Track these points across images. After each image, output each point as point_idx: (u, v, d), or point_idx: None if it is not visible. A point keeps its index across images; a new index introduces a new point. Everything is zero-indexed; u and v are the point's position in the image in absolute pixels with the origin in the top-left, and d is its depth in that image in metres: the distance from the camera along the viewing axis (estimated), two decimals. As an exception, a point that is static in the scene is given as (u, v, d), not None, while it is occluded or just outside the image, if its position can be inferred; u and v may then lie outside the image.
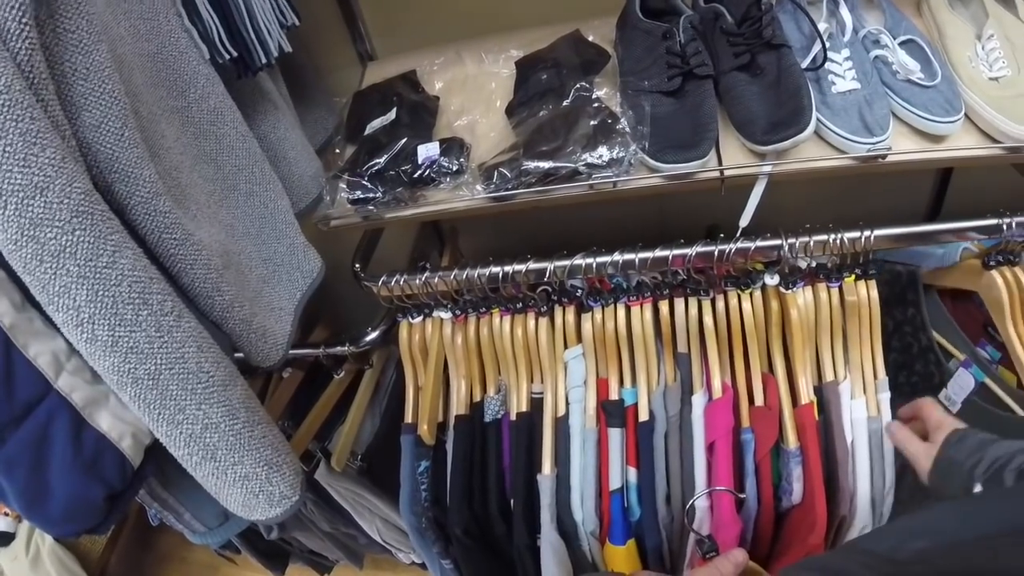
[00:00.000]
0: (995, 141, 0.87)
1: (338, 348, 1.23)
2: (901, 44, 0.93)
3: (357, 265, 1.08)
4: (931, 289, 1.05)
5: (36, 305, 0.62)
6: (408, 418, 1.11)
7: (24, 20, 0.53)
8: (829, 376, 0.96)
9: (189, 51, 0.79)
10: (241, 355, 0.82)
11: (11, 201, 0.54)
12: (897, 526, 0.52)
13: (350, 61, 1.27)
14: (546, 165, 0.89)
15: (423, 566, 1.39)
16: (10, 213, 0.54)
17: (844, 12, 0.94)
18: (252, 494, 0.73)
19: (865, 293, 0.94)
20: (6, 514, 1.67)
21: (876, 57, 0.93)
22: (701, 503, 0.96)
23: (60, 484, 0.67)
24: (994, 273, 0.92)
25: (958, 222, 0.89)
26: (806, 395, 0.96)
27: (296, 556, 1.57)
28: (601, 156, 0.88)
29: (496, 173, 0.91)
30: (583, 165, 0.88)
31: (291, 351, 0.89)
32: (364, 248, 1.12)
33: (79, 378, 0.68)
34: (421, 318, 1.09)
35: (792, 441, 0.94)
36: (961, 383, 0.99)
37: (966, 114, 0.88)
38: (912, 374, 1.06)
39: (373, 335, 1.20)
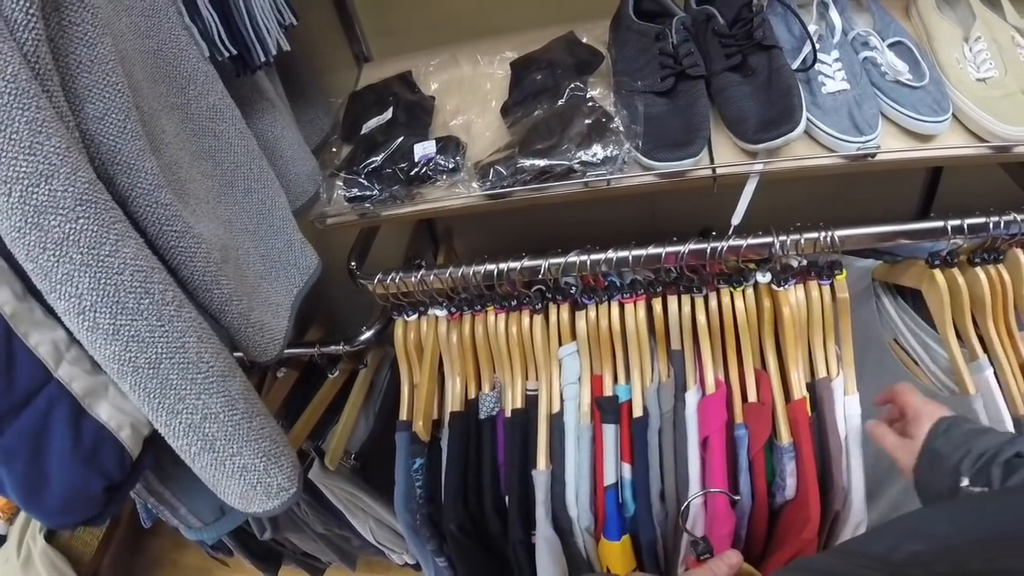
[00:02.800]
0: (982, 140, 0.88)
1: (332, 347, 1.24)
2: (890, 46, 0.94)
3: (353, 263, 1.09)
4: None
5: (37, 295, 0.62)
6: (403, 415, 1.11)
7: (31, 12, 0.54)
8: (822, 372, 0.98)
9: (189, 48, 0.80)
10: (239, 353, 0.82)
11: (16, 188, 0.54)
12: (891, 528, 0.52)
13: (346, 62, 1.28)
14: (541, 163, 0.90)
15: (416, 567, 1.40)
16: (14, 200, 0.55)
17: (833, 14, 0.96)
18: (250, 486, 0.74)
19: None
20: (-3, 516, 1.66)
21: (865, 58, 0.95)
22: (696, 500, 0.96)
23: (59, 474, 0.67)
24: (936, 272, 0.95)
25: (938, 221, 0.90)
26: (799, 391, 0.97)
27: (289, 558, 1.57)
28: (595, 154, 0.89)
29: (492, 171, 0.92)
30: (578, 163, 0.89)
31: (286, 350, 0.90)
32: (360, 247, 1.12)
33: (79, 368, 0.68)
34: (416, 316, 1.09)
35: (785, 437, 0.95)
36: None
37: (954, 114, 0.89)
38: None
39: (368, 334, 1.21)
